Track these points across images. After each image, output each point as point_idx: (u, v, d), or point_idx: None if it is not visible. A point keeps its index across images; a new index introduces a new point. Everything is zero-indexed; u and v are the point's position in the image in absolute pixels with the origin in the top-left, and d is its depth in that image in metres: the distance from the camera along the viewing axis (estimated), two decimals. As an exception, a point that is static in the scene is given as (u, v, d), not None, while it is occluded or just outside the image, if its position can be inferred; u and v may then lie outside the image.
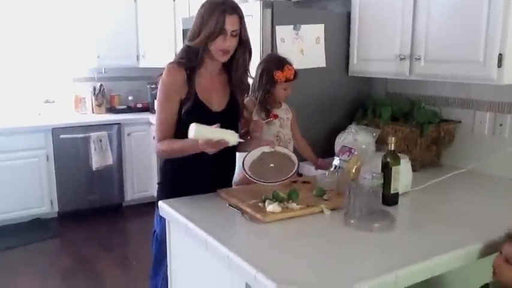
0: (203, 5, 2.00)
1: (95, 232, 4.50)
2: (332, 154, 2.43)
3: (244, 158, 2.03)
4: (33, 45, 4.71)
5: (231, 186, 2.24)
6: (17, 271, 3.68)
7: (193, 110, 2.01)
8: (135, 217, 4.93)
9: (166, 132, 2.05)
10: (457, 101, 2.74)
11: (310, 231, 1.71)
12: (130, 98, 5.46)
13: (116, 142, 4.92)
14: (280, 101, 2.52)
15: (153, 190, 4.32)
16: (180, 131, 2.02)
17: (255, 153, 2.05)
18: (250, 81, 2.25)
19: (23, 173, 4.45)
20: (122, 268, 3.80)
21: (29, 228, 4.49)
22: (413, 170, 2.18)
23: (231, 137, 1.89)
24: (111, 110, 5.32)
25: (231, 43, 1.99)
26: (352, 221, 1.72)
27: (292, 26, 2.79)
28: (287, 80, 2.40)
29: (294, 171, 2.01)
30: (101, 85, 5.28)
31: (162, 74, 2.04)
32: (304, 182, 2.22)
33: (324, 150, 2.67)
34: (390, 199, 1.95)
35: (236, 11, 1.98)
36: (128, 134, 5.00)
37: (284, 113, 2.53)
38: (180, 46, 2.18)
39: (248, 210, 1.82)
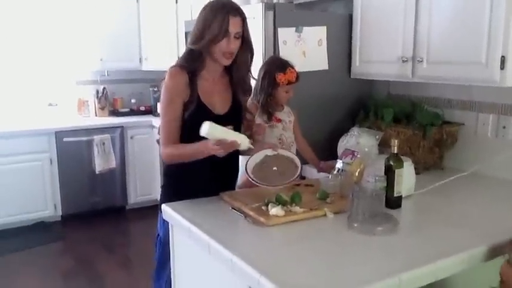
0: (205, 8, 2.00)
1: (97, 234, 4.50)
2: (334, 156, 2.43)
3: (247, 161, 2.03)
4: (36, 48, 4.72)
5: (234, 189, 2.24)
6: (19, 273, 3.68)
7: (196, 113, 2.00)
8: (138, 220, 4.93)
9: (171, 136, 2.04)
10: (460, 103, 2.73)
11: (314, 235, 1.71)
12: (133, 100, 5.46)
13: (119, 145, 4.93)
14: (282, 104, 2.52)
15: (156, 193, 4.32)
16: (185, 136, 2.02)
17: (258, 156, 2.04)
18: (252, 82, 2.24)
19: (26, 177, 4.46)
20: (124, 270, 3.81)
21: (33, 231, 4.50)
22: (416, 173, 2.18)
23: (243, 140, 1.89)
24: (114, 113, 5.33)
25: (234, 45, 2.00)
26: (356, 225, 1.72)
27: (294, 28, 2.80)
28: (289, 83, 2.40)
29: (296, 174, 2.01)
30: (104, 88, 5.29)
31: (164, 77, 2.04)
32: (307, 185, 2.21)
33: (326, 152, 2.67)
34: (393, 202, 1.94)
35: (239, 12, 1.98)
36: (131, 137, 5.00)
37: (286, 115, 2.53)
38: (182, 49, 2.18)
39: (251, 213, 1.82)
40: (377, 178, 1.89)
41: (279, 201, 1.85)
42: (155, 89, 5.23)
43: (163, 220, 2.06)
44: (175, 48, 4.82)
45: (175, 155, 2.04)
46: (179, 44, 4.77)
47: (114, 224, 4.79)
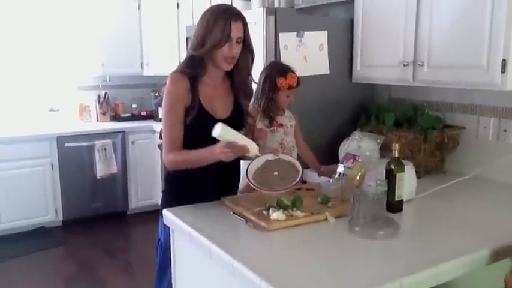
0: (206, 13, 2.00)
1: (98, 239, 4.50)
2: (336, 161, 2.42)
3: (248, 166, 2.03)
4: (38, 54, 4.74)
5: (236, 194, 2.23)
6: (20, 278, 3.68)
7: (197, 118, 2.00)
8: (139, 224, 4.93)
9: (174, 142, 2.02)
10: (461, 106, 2.73)
11: (315, 239, 1.71)
12: (134, 106, 5.47)
13: (120, 150, 4.93)
14: (283, 108, 2.52)
15: (158, 198, 4.31)
16: (187, 141, 2.02)
17: (259, 161, 2.04)
18: (253, 86, 2.24)
19: (27, 182, 4.46)
20: (126, 275, 3.80)
21: (33, 236, 4.50)
22: (418, 177, 2.17)
23: (253, 147, 1.90)
24: (116, 118, 5.34)
25: (236, 50, 2.00)
26: (357, 229, 1.71)
27: (295, 33, 2.80)
28: (290, 88, 2.40)
29: (297, 179, 2.00)
30: (105, 93, 5.30)
31: (165, 82, 2.04)
32: (308, 190, 2.21)
33: (328, 156, 2.67)
34: (395, 206, 1.94)
35: (240, 17, 1.98)
36: (132, 142, 5.01)
37: (287, 120, 2.53)
38: (184, 54, 2.18)
39: (252, 218, 1.82)
40: (378, 182, 1.89)
41: (280, 206, 1.85)
42: (156, 94, 5.24)
43: (164, 225, 2.06)
44: (176, 54, 4.84)
45: (178, 161, 2.03)
46: (180, 49, 4.78)
47: (115, 229, 4.79)
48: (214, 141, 1.90)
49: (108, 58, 5.04)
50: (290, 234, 1.73)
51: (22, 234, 4.48)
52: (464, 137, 2.70)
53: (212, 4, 2.15)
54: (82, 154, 4.73)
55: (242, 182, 2.26)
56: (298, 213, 1.84)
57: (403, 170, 1.95)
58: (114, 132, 4.91)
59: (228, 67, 2.04)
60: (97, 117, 5.26)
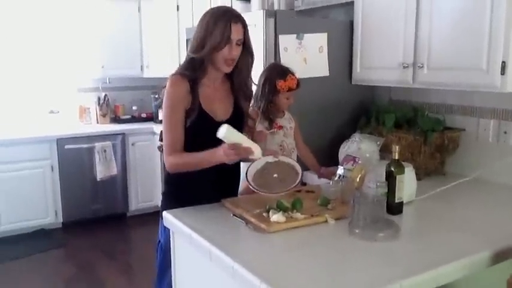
0: (206, 15, 2.00)
1: (99, 241, 4.50)
2: (336, 162, 2.43)
3: (248, 168, 2.03)
4: (38, 56, 4.74)
5: (236, 196, 2.23)
6: (20, 280, 3.68)
7: (197, 120, 2.00)
8: (139, 226, 4.93)
9: (175, 145, 2.01)
10: (461, 108, 2.74)
11: (315, 241, 1.71)
12: (134, 107, 5.48)
13: (120, 152, 4.94)
14: (283, 110, 2.52)
15: (158, 200, 4.32)
16: (188, 143, 2.02)
17: (259, 163, 2.04)
18: (253, 87, 2.24)
19: (27, 184, 4.46)
20: (126, 277, 3.80)
21: (33, 238, 4.50)
22: (418, 179, 2.17)
23: (257, 150, 1.90)
24: (116, 120, 5.34)
25: (236, 52, 2.00)
26: (357, 231, 1.71)
27: (295, 35, 2.80)
28: (290, 90, 2.41)
29: (297, 181, 2.00)
30: (105, 95, 5.30)
31: (165, 85, 2.04)
32: (308, 192, 2.21)
33: (328, 158, 2.67)
34: (395, 208, 1.94)
35: (240, 19, 1.99)
36: (132, 144, 5.01)
37: (287, 122, 2.54)
38: (183, 56, 2.18)
39: (252, 220, 1.82)
40: (378, 184, 1.89)
41: (280, 208, 1.85)
42: (156, 96, 5.24)
43: (164, 227, 2.06)
44: (176, 56, 4.84)
45: (179, 164, 2.02)
46: (180, 51, 4.78)
47: (115, 231, 4.79)
48: (214, 143, 1.90)
49: (108, 60, 5.05)
50: (290, 236, 1.73)
51: (22, 236, 4.48)
52: (464, 139, 2.70)
53: (212, 6, 2.14)
54: (82, 156, 4.73)
55: (242, 184, 2.26)
56: (298, 215, 1.83)
57: (403, 172, 1.95)
58: (114, 134, 4.91)
59: (228, 69, 2.04)
60: (97, 119, 5.26)
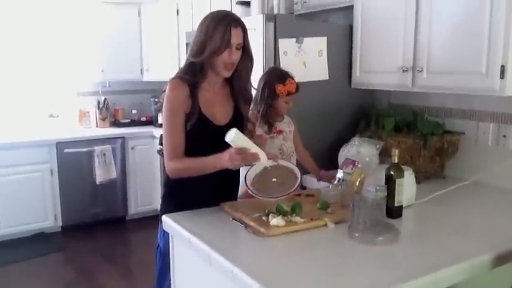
0: (205, 19, 2.00)
1: (98, 245, 4.49)
2: (335, 166, 2.42)
3: (247, 172, 2.02)
4: (38, 59, 4.75)
5: (235, 199, 2.23)
6: (19, 284, 3.68)
7: (197, 125, 2.00)
8: (139, 230, 4.92)
9: (176, 150, 2.00)
10: (460, 112, 2.74)
11: (314, 245, 1.70)
12: (134, 111, 5.48)
13: (119, 156, 4.94)
14: (282, 114, 2.52)
15: (157, 203, 4.31)
16: (188, 147, 2.01)
17: (258, 167, 2.03)
18: (252, 91, 2.24)
19: (27, 187, 4.46)
20: (125, 280, 3.80)
21: (33, 242, 4.49)
22: (417, 182, 2.17)
23: (263, 156, 1.89)
24: (115, 123, 5.34)
25: (236, 56, 2.00)
26: (356, 234, 1.71)
27: (294, 39, 2.81)
28: (289, 94, 2.41)
29: (296, 186, 1.99)
30: (105, 99, 5.31)
31: (165, 89, 2.03)
32: (307, 195, 2.21)
33: (328, 162, 2.67)
34: (394, 212, 1.94)
35: (240, 23, 1.99)
36: (132, 148, 5.01)
37: (286, 126, 2.54)
38: (183, 60, 2.17)
39: (252, 224, 1.82)
40: (378, 188, 1.88)
41: (280, 212, 1.85)
42: (156, 100, 5.24)
43: (164, 231, 2.06)
44: (176, 59, 4.84)
45: (181, 169, 2.01)
46: (180, 55, 4.78)
47: (114, 235, 4.79)
48: (214, 147, 1.91)
49: (108, 64, 5.05)
50: (289, 240, 1.73)
51: (21, 240, 4.48)
52: (464, 143, 2.70)
53: (212, 10, 2.14)
54: (81, 160, 4.73)
55: (241, 188, 2.26)
56: (298, 219, 1.83)
57: (402, 176, 1.95)
58: (113, 137, 4.91)
59: (227, 74, 2.04)
60: (97, 123, 5.26)
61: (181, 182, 2.08)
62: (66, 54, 4.87)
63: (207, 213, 2.01)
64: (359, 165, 2.17)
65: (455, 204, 2.22)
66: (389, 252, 1.62)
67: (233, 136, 1.83)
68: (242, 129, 2.16)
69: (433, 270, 1.46)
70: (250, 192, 1.97)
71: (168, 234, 2.01)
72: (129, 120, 5.41)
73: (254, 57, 2.11)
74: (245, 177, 2.00)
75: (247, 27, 2.03)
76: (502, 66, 2.14)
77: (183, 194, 2.12)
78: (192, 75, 2.01)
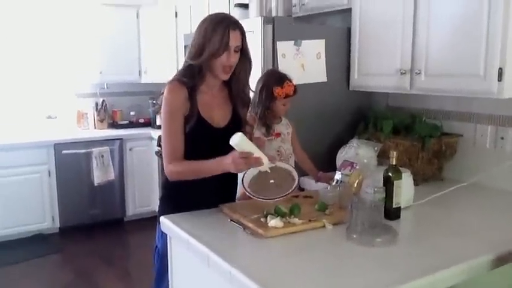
0: (204, 22, 2.00)
1: (96, 247, 4.49)
2: (334, 168, 2.43)
3: (244, 174, 2.02)
4: (36, 61, 4.75)
5: (234, 201, 2.23)
6: (17, 285, 3.67)
7: (195, 127, 1.99)
8: (137, 231, 4.92)
9: (175, 153, 1.99)
10: (458, 114, 2.75)
11: (312, 246, 1.71)
12: (132, 113, 5.48)
13: (117, 157, 4.93)
14: (280, 116, 2.52)
15: (155, 205, 4.31)
16: (187, 150, 2.00)
17: (255, 169, 2.03)
18: (250, 94, 2.25)
19: (25, 189, 4.45)
20: (124, 282, 3.79)
21: (31, 243, 4.48)
22: (415, 184, 2.18)
23: (265, 160, 1.89)
24: (113, 125, 5.34)
25: (234, 59, 2.00)
26: (355, 236, 1.72)
27: (293, 42, 2.81)
28: (287, 96, 2.41)
29: (293, 187, 1.99)
30: (103, 101, 5.30)
31: (163, 91, 2.02)
32: (306, 197, 2.21)
33: (326, 164, 2.67)
34: (392, 213, 1.94)
35: (238, 26, 1.99)
36: (130, 149, 5.01)
37: (284, 128, 2.54)
38: (182, 62, 2.17)
39: (250, 225, 1.82)
40: (376, 189, 1.89)
41: (278, 213, 1.85)
42: (154, 102, 5.23)
43: (162, 232, 2.06)
44: (174, 61, 4.85)
45: (180, 172, 2.00)
46: (178, 57, 4.79)
47: (112, 236, 4.78)
48: (213, 149, 1.91)
49: (106, 65, 5.06)
50: (288, 242, 1.73)
51: (19, 241, 4.47)
52: (462, 145, 2.70)
53: (210, 13, 2.14)
54: (79, 161, 4.72)
55: (240, 190, 2.26)
56: (296, 220, 1.84)
57: (400, 178, 1.96)
58: (111, 139, 4.91)
59: (226, 76, 2.03)
60: (95, 125, 5.26)
61: (179, 184, 2.07)
62: (65, 56, 4.87)
63: (206, 214, 2.01)
64: (357, 167, 2.18)
65: (454, 206, 2.22)
66: (388, 253, 1.63)
67: (238, 140, 1.82)
68: (241, 131, 2.17)
69: (431, 271, 1.46)
70: (248, 193, 1.97)
71: (166, 235, 2.01)
72: (127, 121, 5.41)
73: (252, 60, 2.11)
74: (242, 179, 2.00)
75: (245, 29, 2.02)
76: (500, 68, 2.15)
77: (181, 196, 2.12)
78: (191, 77, 2.01)
